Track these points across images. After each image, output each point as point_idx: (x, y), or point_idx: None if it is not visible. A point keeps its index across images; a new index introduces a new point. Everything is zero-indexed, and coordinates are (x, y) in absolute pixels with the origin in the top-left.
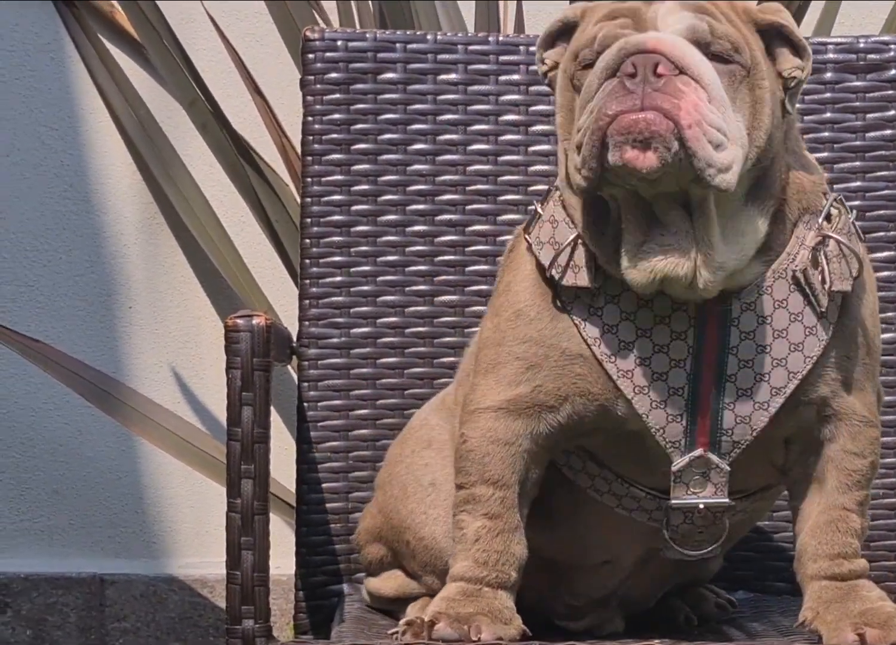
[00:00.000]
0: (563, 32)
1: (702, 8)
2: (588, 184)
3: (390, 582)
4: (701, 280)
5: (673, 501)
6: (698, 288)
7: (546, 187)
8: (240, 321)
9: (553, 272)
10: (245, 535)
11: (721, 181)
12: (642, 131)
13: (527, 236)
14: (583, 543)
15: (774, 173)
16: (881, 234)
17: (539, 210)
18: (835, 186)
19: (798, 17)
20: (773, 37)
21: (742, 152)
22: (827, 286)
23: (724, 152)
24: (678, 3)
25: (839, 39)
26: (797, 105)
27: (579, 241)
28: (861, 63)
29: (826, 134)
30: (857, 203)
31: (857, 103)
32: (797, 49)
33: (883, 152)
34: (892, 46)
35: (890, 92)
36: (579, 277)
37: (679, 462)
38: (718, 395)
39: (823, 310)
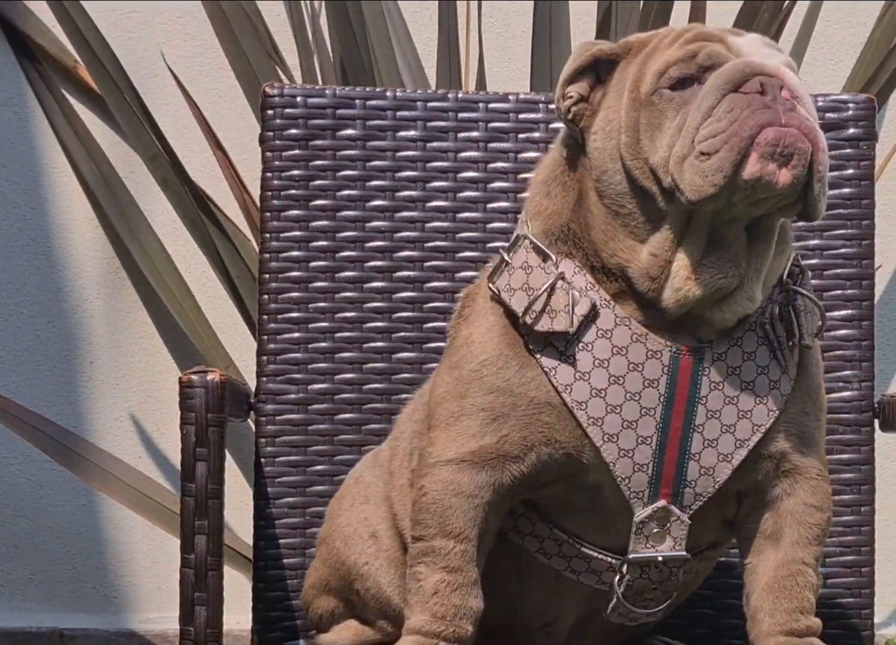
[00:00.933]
0: (587, 68)
1: (780, 49)
2: (716, 190)
3: (346, 633)
4: (736, 304)
5: (631, 555)
6: (729, 307)
7: (506, 244)
8: (194, 377)
9: (528, 318)
10: (198, 590)
11: (820, 210)
12: (789, 145)
13: (492, 285)
14: (523, 606)
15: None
16: (839, 292)
17: (507, 258)
18: (793, 245)
19: None
20: None
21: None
22: (795, 340)
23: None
24: (757, 38)
25: None
26: None
27: (557, 285)
28: (820, 121)
29: None
30: (814, 261)
31: None
32: None
33: (841, 211)
34: (851, 105)
35: (848, 150)
36: (556, 322)
37: (641, 513)
38: (685, 445)
39: (786, 364)
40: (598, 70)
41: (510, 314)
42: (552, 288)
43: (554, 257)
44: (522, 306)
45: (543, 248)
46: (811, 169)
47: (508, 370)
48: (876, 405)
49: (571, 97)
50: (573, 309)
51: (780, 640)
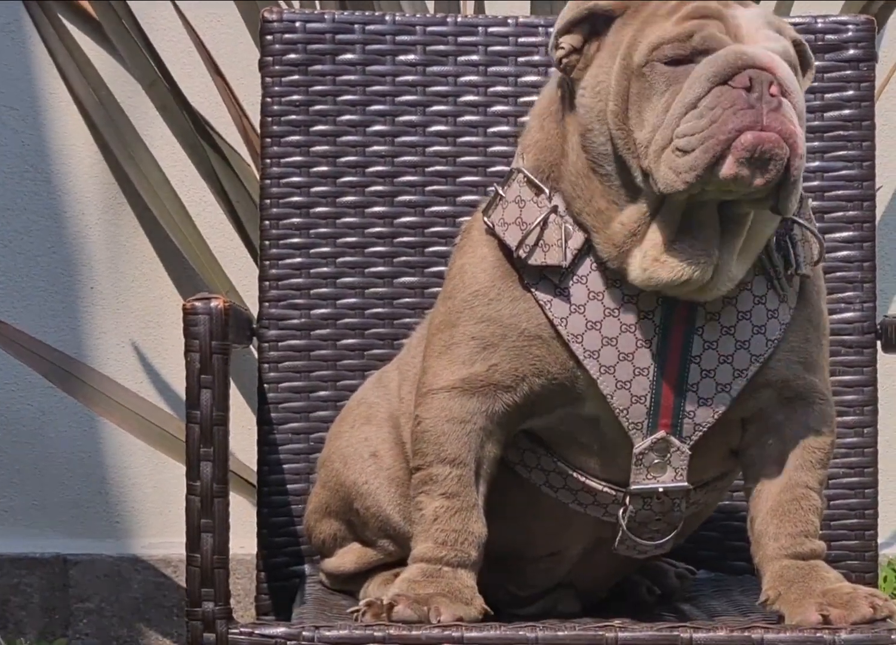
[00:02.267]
0: (583, 20)
1: (780, 28)
2: (687, 187)
3: (349, 556)
4: (713, 289)
5: (633, 486)
6: (708, 293)
7: (507, 168)
8: (198, 304)
9: (521, 252)
10: (205, 517)
11: (790, 208)
12: (766, 152)
13: (486, 219)
14: (531, 536)
15: None
16: (840, 214)
17: (501, 192)
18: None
19: None
20: None
21: None
22: (792, 270)
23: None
24: (758, 14)
25: (798, 19)
26: None
27: (550, 219)
28: (819, 43)
29: None
30: (815, 183)
31: (816, 83)
32: (806, 67)
33: (841, 132)
34: (851, 26)
35: (848, 72)
36: (549, 256)
37: (641, 444)
38: (682, 376)
39: (785, 293)
40: (595, 23)
41: (504, 247)
42: (545, 222)
43: (547, 191)
44: (516, 240)
45: (537, 181)
46: (787, 172)
47: (500, 302)
48: (878, 326)
49: (563, 48)
50: (566, 243)
51: (785, 563)
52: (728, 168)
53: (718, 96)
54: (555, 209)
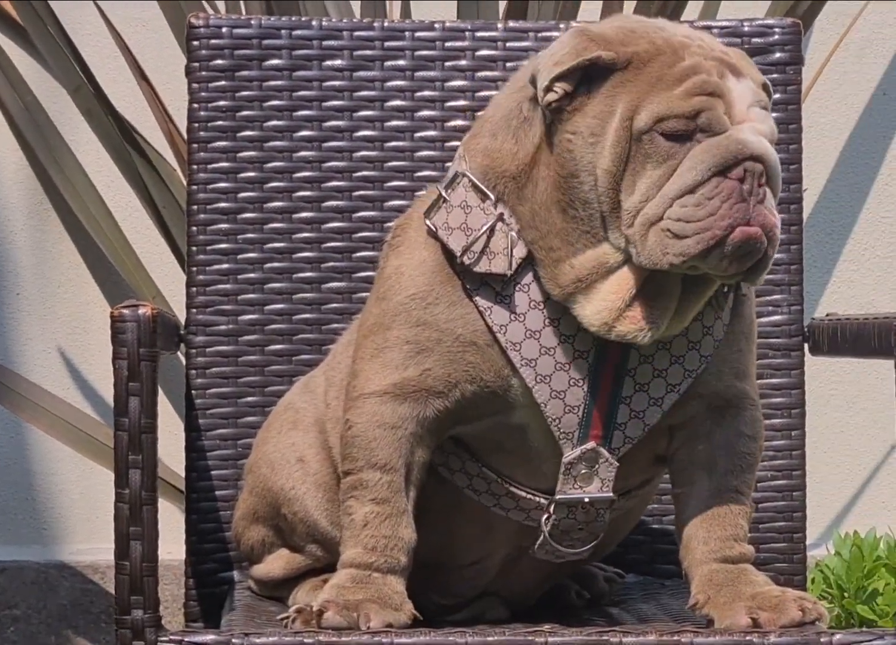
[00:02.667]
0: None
1: (765, 104)
2: (672, 268)
3: (278, 562)
4: (646, 343)
5: (559, 496)
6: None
7: (434, 173)
8: (125, 311)
9: (466, 259)
10: (133, 525)
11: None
12: (751, 249)
13: (428, 221)
14: (453, 542)
15: None
16: None
17: (445, 195)
18: None
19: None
20: None
21: None
22: (732, 290)
23: None
24: (749, 86)
25: (724, 23)
26: None
27: (496, 227)
28: (746, 46)
29: None
30: None
31: None
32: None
33: None
34: (777, 30)
35: (775, 75)
36: (494, 264)
37: (570, 454)
38: (617, 388)
39: (722, 311)
40: (590, 71)
41: (446, 252)
42: (492, 229)
43: (493, 197)
44: (461, 246)
45: (483, 187)
46: (761, 259)
47: (437, 306)
48: (805, 329)
49: (556, 92)
50: (512, 251)
51: (714, 567)
52: (714, 258)
53: (716, 187)
54: (501, 217)
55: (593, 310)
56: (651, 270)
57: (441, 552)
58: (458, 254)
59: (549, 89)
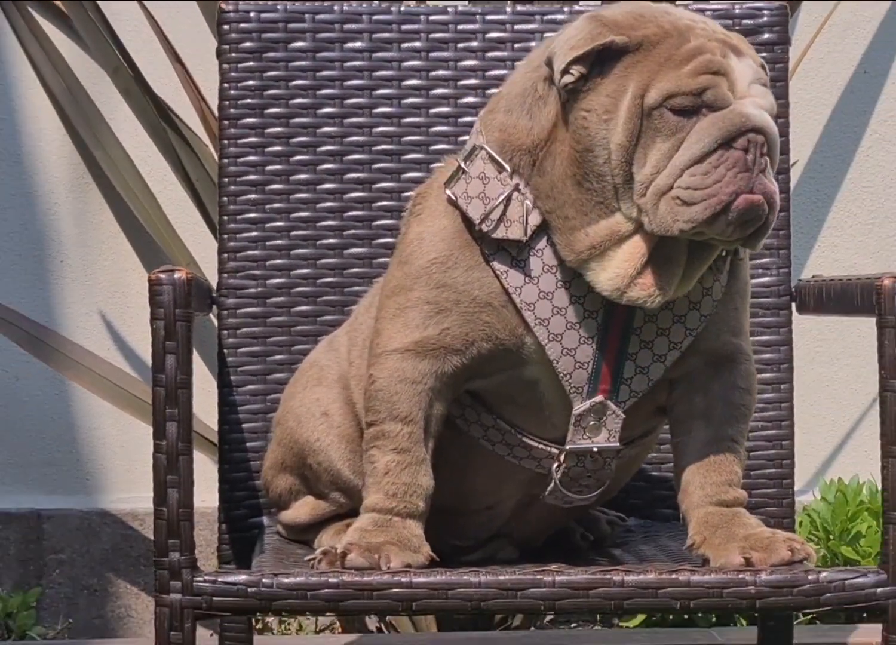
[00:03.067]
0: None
1: (765, 81)
2: (680, 234)
3: (304, 508)
4: (656, 307)
5: (569, 445)
6: (647, 309)
7: (448, 146)
8: (162, 275)
9: (484, 226)
10: (170, 474)
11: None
12: (755, 215)
13: (449, 191)
14: (469, 490)
15: None
16: None
17: (464, 167)
18: None
19: None
20: None
21: None
22: (730, 254)
23: None
24: (749, 65)
25: (716, 5)
26: None
27: (512, 197)
28: (737, 27)
29: None
30: None
31: None
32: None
33: None
34: (766, 12)
35: (764, 54)
36: (511, 231)
37: (580, 407)
38: (623, 345)
39: (720, 274)
40: (603, 53)
41: (465, 219)
42: (508, 199)
43: (509, 169)
44: (479, 214)
45: (499, 159)
46: (763, 225)
47: (456, 270)
48: (793, 290)
49: (573, 74)
50: (527, 219)
51: (710, 509)
52: (720, 224)
53: (722, 156)
54: (517, 187)
55: (607, 277)
56: (660, 239)
57: (457, 498)
58: (477, 221)
59: (566, 71)
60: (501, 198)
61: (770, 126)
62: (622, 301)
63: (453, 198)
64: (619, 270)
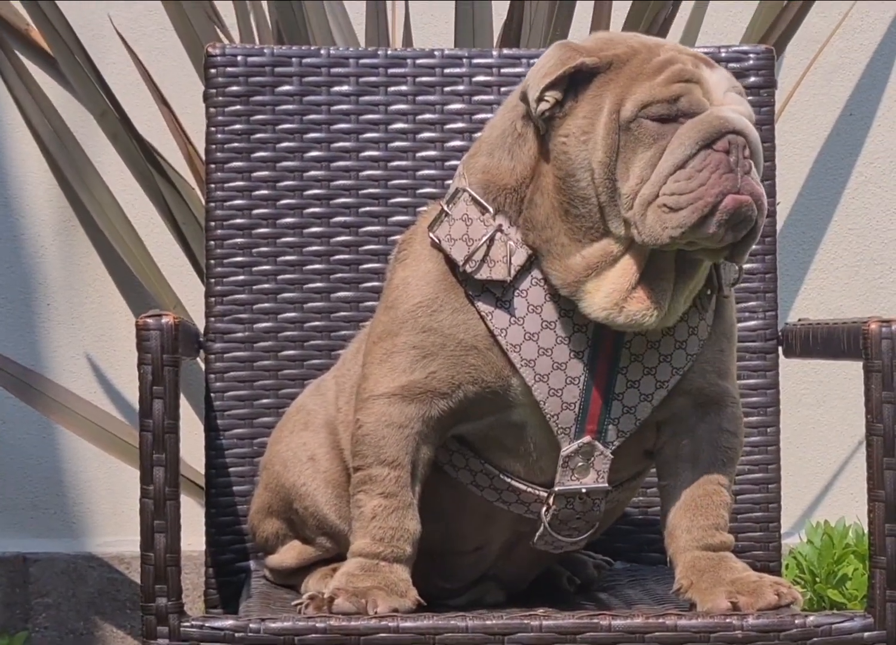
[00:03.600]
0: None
1: (740, 90)
2: (671, 242)
3: (290, 552)
4: (657, 326)
5: (557, 487)
6: (643, 327)
7: (435, 190)
8: (150, 320)
9: (468, 267)
10: (157, 518)
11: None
12: (743, 215)
13: (432, 234)
14: (458, 532)
15: None
16: None
17: (447, 209)
18: None
19: (665, 27)
20: None
21: None
22: (714, 291)
23: None
24: (723, 76)
25: (703, 48)
26: None
27: (495, 237)
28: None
29: None
30: None
31: None
32: None
33: None
34: (752, 55)
35: (749, 98)
36: (495, 271)
37: (567, 448)
38: (610, 385)
39: (706, 312)
40: (576, 77)
41: (449, 262)
42: (491, 239)
43: (492, 210)
44: (463, 256)
45: (482, 201)
46: (752, 230)
47: (441, 313)
48: (779, 333)
49: (548, 101)
50: (511, 259)
51: (697, 554)
52: (710, 227)
53: (704, 159)
54: (499, 228)
55: (603, 295)
56: (650, 254)
57: (446, 540)
58: (461, 263)
59: (540, 100)
60: (484, 238)
61: (750, 129)
62: (619, 319)
63: (436, 241)
64: (615, 285)
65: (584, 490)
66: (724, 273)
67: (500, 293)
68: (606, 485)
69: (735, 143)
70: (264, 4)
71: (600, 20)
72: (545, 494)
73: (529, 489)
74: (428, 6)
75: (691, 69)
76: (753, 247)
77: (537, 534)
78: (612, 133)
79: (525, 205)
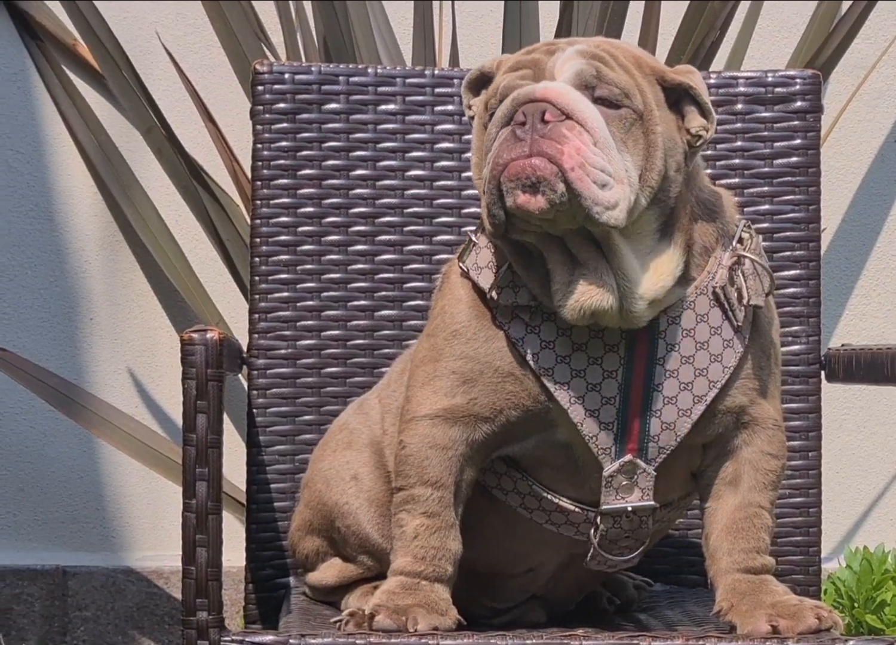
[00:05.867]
0: (482, 82)
1: (596, 56)
2: (496, 229)
3: (330, 571)
4: (633, 313)
5: (603, 507)
6: (629, 318)
7: (479, 210)
8: (195, 335)
9: (493, 294)
10: (199, 533)
11: (609, 218)
12: (529, 177)
13: (461, 264)
14: (509, 555)
15: (678, 212)
16: (788, 253)
17: (474, 239)
18: (745, 210)
19: (711, 52)
20: (683, 96)
21: (629, 190)
22: (745, 301)
23: (610, 191)
24: (577, 49)
25: (749, 73)
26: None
27: None
28: (769, 95)
29: (737, 161)
30: (765, 225)
31: (766, 133)
32: (703, 110)
33: (789, 178)
34: (798, 80)
35: (796, 122)
36: (520, 296)
37: (610, 467)
38: (646, 403)
39: (739, 324)
40: (481, 84)
41: (478, 290)
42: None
43: None
44: (489, 283)
45: None
46: (569, 187)
47: (476, 341)
48: (822, 358)
49: (472, 109)
50: None
51: (737, 577)
52: (510, 199)
53: (499, 138)
54: None
55: (567, 303)
56: (560, 247)
57: (498, 564)
58: (487, 289)
59: (469, 106)
60: (507, 264)
61: (559, 93)
62: (586, 318)
63: (465, 270)
64: (561, 287)
65: (629, 508)
66: (755, 283)
67: (528, 318)
68: (652, 501)
69: (530, 112)
70: (311, 22)
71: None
72: (593, 514)
73: (577, 509)
74: (475, 26)
75: (529, 58)
76: (797, 271)
77: (589, 554)
78: (479, 134)
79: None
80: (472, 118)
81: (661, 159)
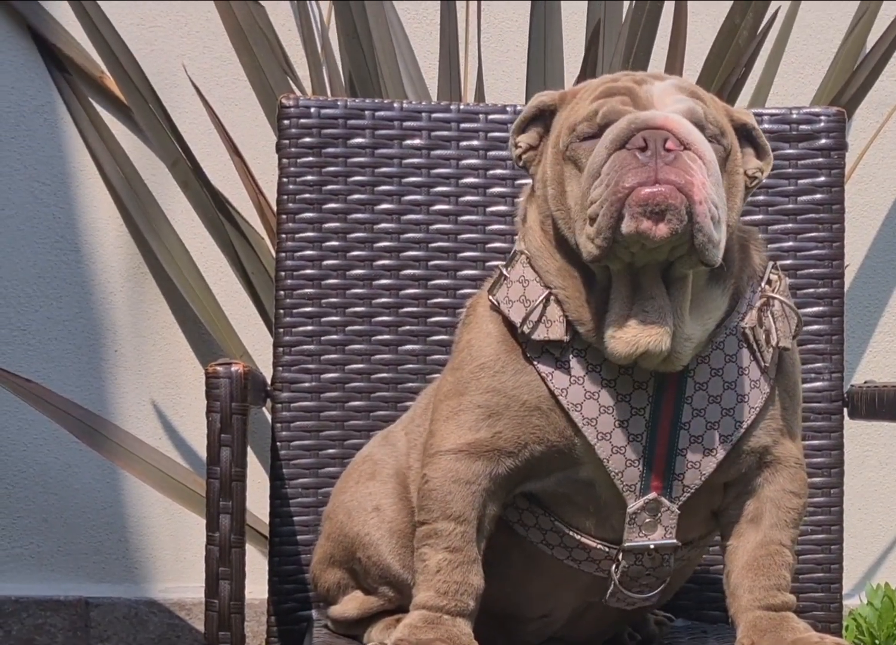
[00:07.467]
0: (536, 117)
1: (695, 93)
2: (601, 252)
3: (352, 603)
4: (678, 357)
5: (626, 543)
6: (671, 358)
7: (504, 245)
8: (220, 369)
9: (525, 328)
10: (223, 565)
11: (713, 256)
12: (659, 204)
13: (491, 297)
14: (526, 597)
15: (732, 253)
16: (811, 290)
17: (505, 273)
18: (769, 246)
19: (736, 89)
20: (741, 137)
21: (726, 230)
22: (774, 343)
23: (720, 229)
24: (672, 83)
25: (774, 110)
26: None
27: (551, 298)
28: (794, 133)
29: (761, 197)
30: (789, 262)
31: (790, 170)
32: (760, 151)
33: (813, 215)
34: (823, 117)
35: (820, 159)
36: (552, 331)
37: (634, 505)
38: (673, 441)
39: (767, 365)
40: (545, 119)
41: (509, 324)
42: (547, 299)
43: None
44: (520, 317)
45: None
46: (691, 221)
47: (504, 374)
48: (845, 395)
49: (520, 147)
50: (567, 319)
51: (759, 614)
52: (627, 224)
53: (615, 160)
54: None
55: (611, 331)
56: (632, 282)
57: (512, 605)
58: (518, 324)
59: (516, 145)
60: (540, 298)
61: (675, 122)
62: (635, 354)
63: (496, 303)
64: (609, 326)
65: (652, 546)
66: (783, 325)
67: (558, 353)
68: (674, 540)
69: (651, 138)
70: (337, 56)
71: None
72: (615, 552)
73: (599, 546)
74: (500, 61)
75: (623, 85)
76: (820, 308)
77: (608, 591)
78: (556, 164)
79: (535, 254)
80: (519, 157)
81: (741, 199)
